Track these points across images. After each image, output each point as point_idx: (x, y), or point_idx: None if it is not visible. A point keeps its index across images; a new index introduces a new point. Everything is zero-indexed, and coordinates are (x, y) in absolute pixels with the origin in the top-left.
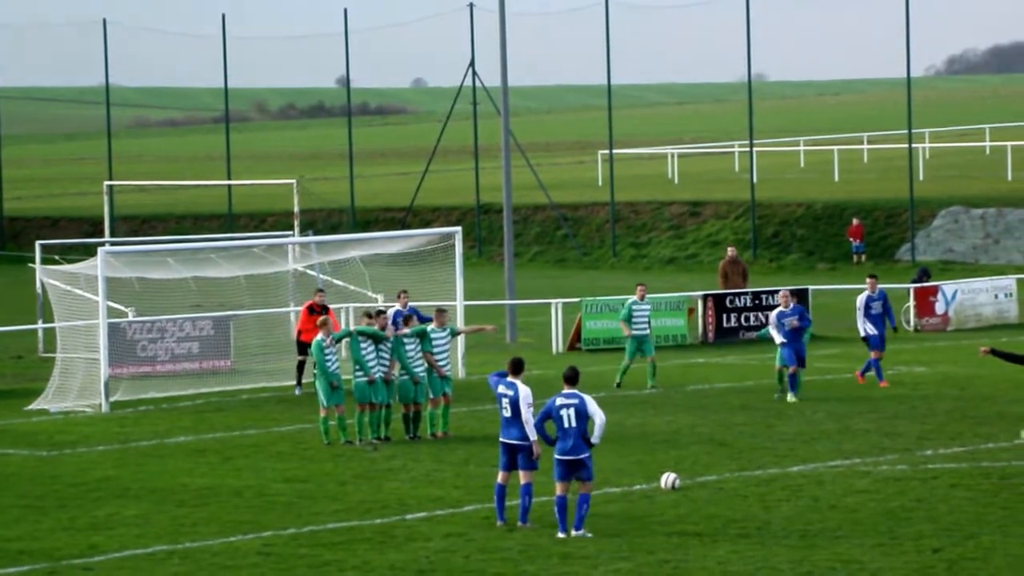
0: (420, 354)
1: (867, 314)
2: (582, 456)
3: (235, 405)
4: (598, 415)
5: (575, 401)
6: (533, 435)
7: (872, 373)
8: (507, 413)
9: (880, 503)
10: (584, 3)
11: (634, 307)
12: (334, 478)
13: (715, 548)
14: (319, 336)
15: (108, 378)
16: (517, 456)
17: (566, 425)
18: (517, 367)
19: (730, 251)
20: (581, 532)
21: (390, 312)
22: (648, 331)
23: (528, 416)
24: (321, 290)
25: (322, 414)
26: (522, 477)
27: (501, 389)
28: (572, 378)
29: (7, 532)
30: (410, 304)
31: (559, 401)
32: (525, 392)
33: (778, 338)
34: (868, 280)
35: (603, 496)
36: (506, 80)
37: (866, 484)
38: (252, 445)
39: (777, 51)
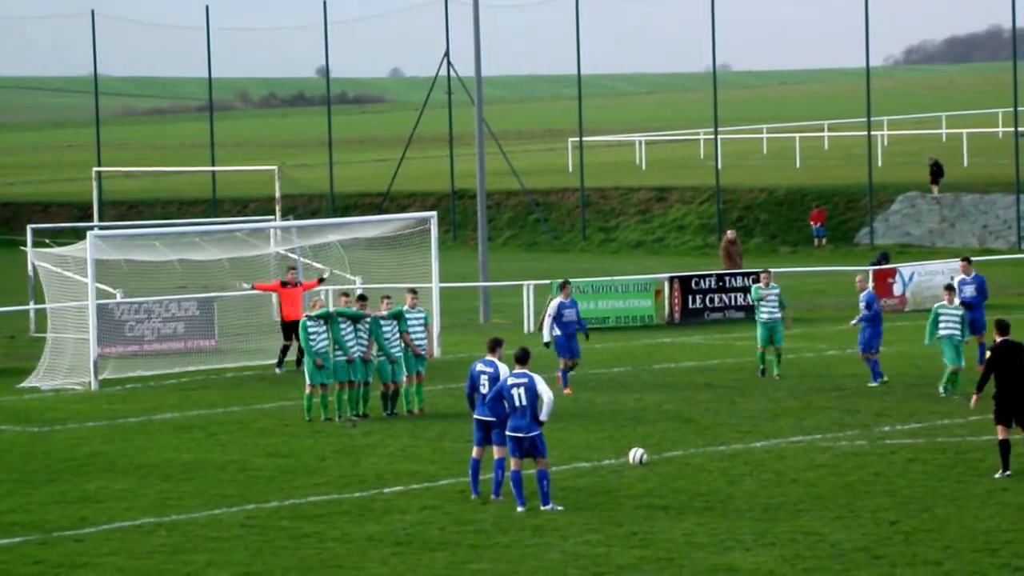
0: (397, 334)
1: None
2: (532, 434)
3: (219, 383)
4: (546, 394)
5: (525, 380)
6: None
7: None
8: (484, 390)
9: (839, 477)
10: None
11: (762, 292)
12: (315, 453)
13: (681, 520)
14: (305, 316)
15: (97, 357)
16: (491, 432)
17: (517, 403)
18: (495, 346)
19: (729, 233)
20: (550, 507)
21: (554, 303)
22: (780, 316)
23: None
24: (293, 268)
25: (307, 391)
26: (495, 452)
27: (480, 367)
28: (523, 359)
29: (1, 505)
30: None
31: (510, 380)
32: (505, 370)
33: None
34: (961, 263)
35: (573, 471)
36: (480, 70)
37: (826, 459)
38: (236, 422)
39: (741, 42)
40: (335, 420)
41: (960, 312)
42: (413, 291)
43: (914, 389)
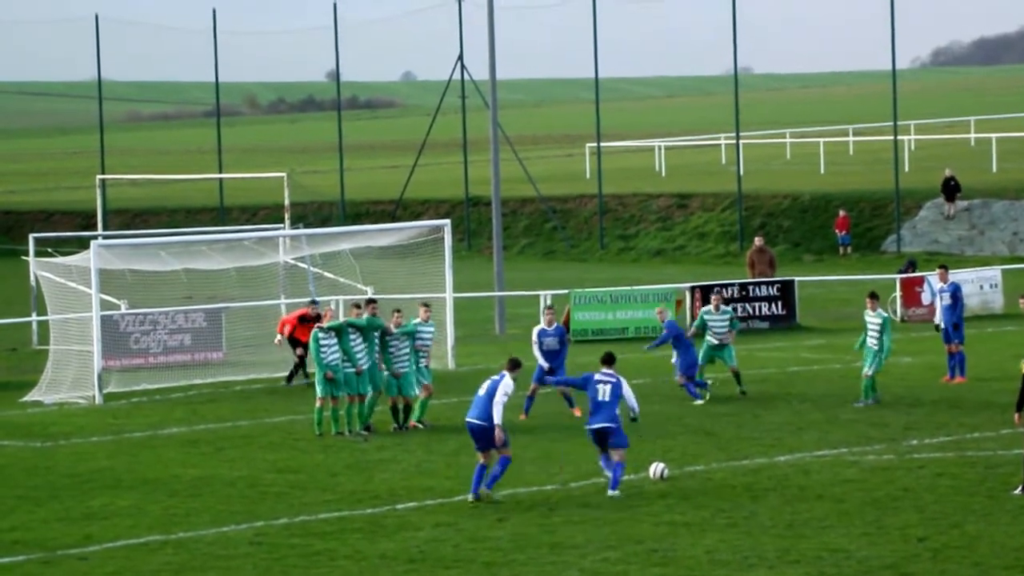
0: (404, 350)
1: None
2: (613, 425)
3: (227, 396)
4: (630, 398)
5: (612, 380)
6: (498, 419)
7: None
8: (481, 392)
9: (866, 492)
10: None
11: (707, 316)
12: (325, 469)
13: (703, 537)
14: (316, 328)
15: (101, 370)
16: (480, 438)
17: (600, 398)
18: (514, 366)
19: (757, 241)
20: (615, 492)
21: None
22: (729, 340)
23: (500, 401)
24: (315, 302)
25: (317, 404)
26: (487, 456)
27: (493, 377)
28: (609, 360)
29: (3, 522)
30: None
31: (598, 376)
32: (508, 383)
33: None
34: (938, 270)
35: (592, 486)
36: (494, 73)
37: (853, 474)
38: (244, 436)
39: (763, 44)
40: (346, 434)
41: (879, 320)
42: (426, 305)
43: (942, 401)
